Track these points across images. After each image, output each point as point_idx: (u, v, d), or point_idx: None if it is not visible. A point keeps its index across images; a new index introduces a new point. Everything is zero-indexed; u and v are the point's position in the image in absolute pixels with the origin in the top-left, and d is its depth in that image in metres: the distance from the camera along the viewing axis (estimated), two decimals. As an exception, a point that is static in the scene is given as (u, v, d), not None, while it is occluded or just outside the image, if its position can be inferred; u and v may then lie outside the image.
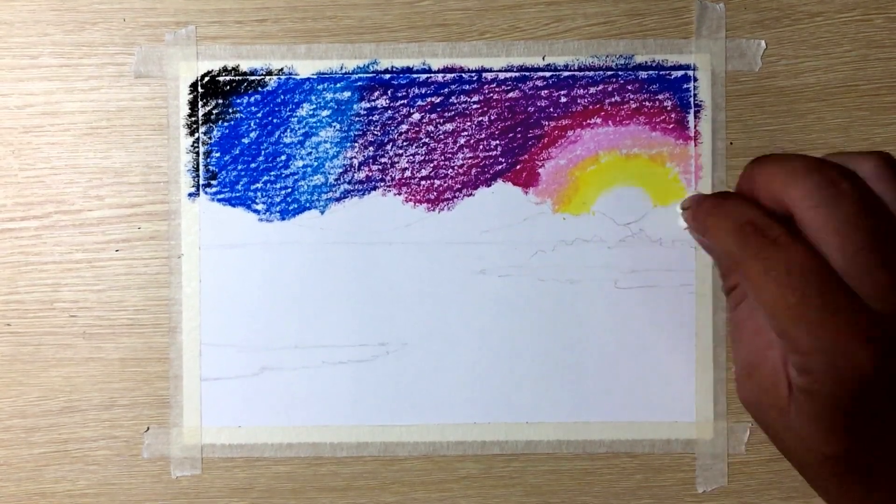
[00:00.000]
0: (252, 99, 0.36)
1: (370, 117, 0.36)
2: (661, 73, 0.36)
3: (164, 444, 0.36)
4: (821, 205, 0.25)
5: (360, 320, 0.36)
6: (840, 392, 0.25)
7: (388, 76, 0.36)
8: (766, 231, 0.26)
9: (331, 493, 0.36)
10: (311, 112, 0.36)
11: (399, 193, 0.36)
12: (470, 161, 0.36)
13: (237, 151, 0.36)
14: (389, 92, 0.36)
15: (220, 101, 0.36)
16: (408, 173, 0.36)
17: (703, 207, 0.29)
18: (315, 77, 0.36)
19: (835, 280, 0.25)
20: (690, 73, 0.36)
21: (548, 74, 0.36)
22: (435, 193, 0.36)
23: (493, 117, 0.36)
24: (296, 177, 0.36)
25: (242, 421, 0.36)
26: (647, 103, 0.36)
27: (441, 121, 0.36)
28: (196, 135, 0.36)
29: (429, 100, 0.36)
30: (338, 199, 0.36)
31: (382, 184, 0.36)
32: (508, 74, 0.36)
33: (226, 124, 0.36)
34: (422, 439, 0.36)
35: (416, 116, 0.36)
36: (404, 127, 0.36)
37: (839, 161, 0.26)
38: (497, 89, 0.36)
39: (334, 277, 0.36)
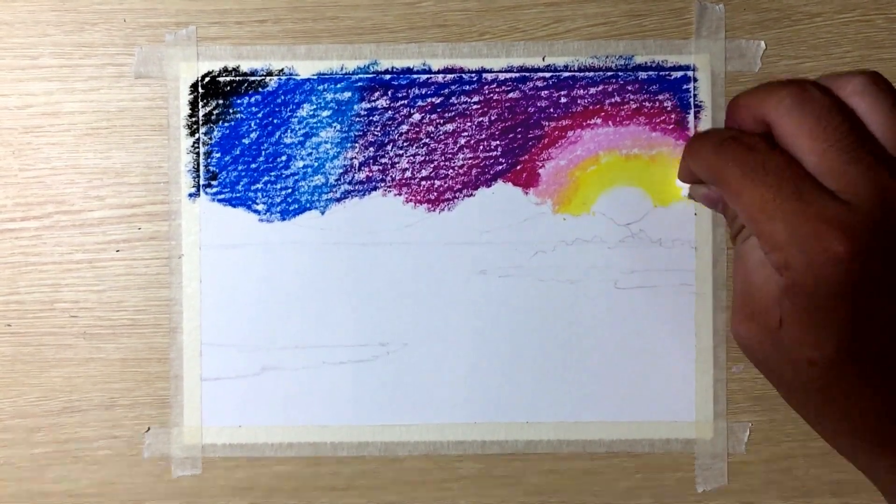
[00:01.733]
0: (252, 99, 0.36)
1: (370, 118, 0.36)
2: (660, 73, 0.36)
3: (165, 444, 0.36)
4: (793, 109, 0.27)
5: (360, 320, 0.36)
6: (820, 282, 0.26)
7: (388, 77, 0.36)
8: (745, 140, 0.28)
9: (331, 492, 0.36)
10: (311, 112, 0.36)
11: (399, 194, 0.36)
12: (470, 161, 0.36)
13: (237, 152, 0.36)
14: (390, 92, 0.36)
15: (221, 101, 0.36)
16: (408, 174, 0.36)
17: (688, 142, 0.31)
18: (315, 77, 0.36)
19: (808, 177, 0.26)
20: (690, 73, 0.36)
21: (548, 75, 0.36)
22: (435, 194, 0.36)
23: (493, 118, 0.36)
24: (296, 177, 0.36)
25: (243, 421, 0.36)
26: (647, 104, 0.36)
27: (441, 121, 0.36)
28: (196, 135, 0.36)
29: (429, 100, 0.36)
30: (338, 200, 0.36)
31: (383, 184, 0.36)
32: (508, 75, 0.36)
33: (226, 125, 0.36)
34: (422, 439, 0.36)
35: (417, 117, 0.36)
36: (404, 127, 0.36)
37: (823, 80, 0.28)
38: (497, 90, 0.36)
39: (334, 277, 0.36)
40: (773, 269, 0.28)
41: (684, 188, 0.33)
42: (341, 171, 0.36)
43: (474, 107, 0.36)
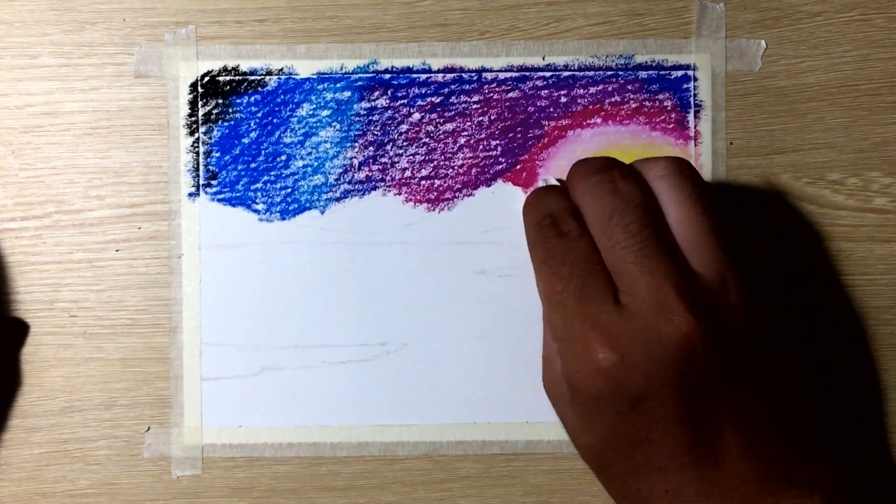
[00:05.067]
0: (252, 99, 0.36)
1: (370, 117, 0.36)
2: (661, 72, 0.36)
3: (165, 444, 0.36)
4: (594, 200, 0.28)
5: (360, 320, 0.36)
6: (583, 383, 0.26)
7: (388, 76, 0.36)
8: (561, 224, 0.29)
9: (331, 492, 0.36)
10: (311, 112, 0.36)
11: (399, 193, 0.36)
12: (470, 161, 0.36)
13: (237, 151, 0.36)
14: (389, 92, 0.36)
15: (220, 100, 0.36)
16: (408, 173, 0.36)
17: (527, 198, 0.31)
18: (315, 77, 0.36)
19: (600, 274, 0.27)
20: (690, 72, 0.36)
21: (548, 74, 0.36)
22: (435, 193, 0.36)
23: (493, 117, 0.36)
24: (296, 177, 0.36)
25: (243, 420, 0.36)
26: (647, 103, 0.36)
27: (441, 121, 0.36)
28: (196, 135, 0.36)
29: (429, 100, 0.36)
30: (338, 199, 0.36)
31: (382, 184, 0.36)
32: (508, 74, 0.36)
33: (226, 124, 0.36)
34: (422, 439, 0.36)
35: (416, 116, 0.36)
36: (404, 127, 0.36)
37: (636, 164, 0.29)
38: (497, 89, 0.36)
39: (334, 277, 0.36)
40: None
41: None
42: (341, 170, 0.36)
43: (474, 106, 0.36)
